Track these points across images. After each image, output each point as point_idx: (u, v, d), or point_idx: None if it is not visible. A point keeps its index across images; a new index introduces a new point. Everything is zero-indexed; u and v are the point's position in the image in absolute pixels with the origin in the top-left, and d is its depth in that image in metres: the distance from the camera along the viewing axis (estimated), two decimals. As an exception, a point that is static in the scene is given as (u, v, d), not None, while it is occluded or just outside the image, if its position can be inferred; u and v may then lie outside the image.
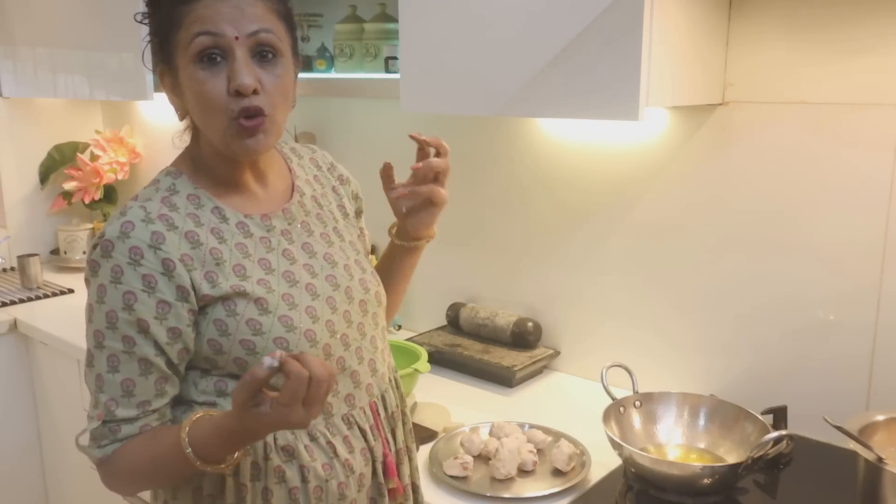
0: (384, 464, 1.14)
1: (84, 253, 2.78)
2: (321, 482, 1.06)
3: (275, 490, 1.04)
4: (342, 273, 1.13)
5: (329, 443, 1.07)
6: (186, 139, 1.10)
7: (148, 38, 1.06)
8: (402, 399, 1.22)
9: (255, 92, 0.99)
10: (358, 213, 1.28)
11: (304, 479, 1.05)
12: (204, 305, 1.01)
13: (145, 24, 1.06)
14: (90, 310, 1.00)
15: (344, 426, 1.09)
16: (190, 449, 0.95)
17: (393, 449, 1.17)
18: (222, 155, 1.05)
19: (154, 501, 1.14)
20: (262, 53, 1.00)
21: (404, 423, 1.22)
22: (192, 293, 1.00)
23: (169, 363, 1.01)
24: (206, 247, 1.02)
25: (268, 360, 0.87)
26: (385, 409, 1.16)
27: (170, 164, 1.10)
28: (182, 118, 1.07)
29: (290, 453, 1.04)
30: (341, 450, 1.08)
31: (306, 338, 1.04)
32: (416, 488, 1.24)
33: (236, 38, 0.98)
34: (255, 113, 0.99)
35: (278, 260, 1.07)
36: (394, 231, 1.27)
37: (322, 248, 1.13)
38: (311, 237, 1.13)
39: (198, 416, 0.97)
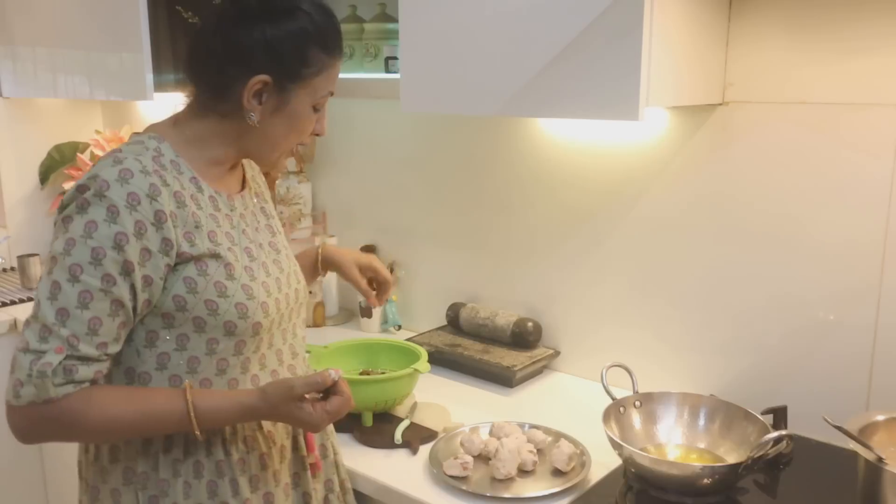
0: (305, 439, 1.25)
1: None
2: (243, 454, 1.16)
3: (205, 463, 1.14)
4: (285, 260, 1.26)
5: None
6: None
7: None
8: None
9: None
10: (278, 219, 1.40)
11: (227, 453, 1.14)
12: (178, 263, 1.08)
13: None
14: (70, 244, 1.02)
15: None
16: (193, 413, 1.05)
17: None
18: (228, 138, 1.15)
19: (88, 466, 1.18)
20: None
21: None
22: (174, 248, 1.06)
23: (134, 310, 1.06)
24: (189, 209, 1.09)
25: (334, 374, 1.09)
26: None
27: (147, 130, 1.16)
28: (252, 122, 1.12)
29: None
30: (265, 422, 1.18)
31: (262, 309, 1.14)
32: (345, 490, 1.36)
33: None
34: None
35: (240, 236, 1.18)
36: (319, 263, 1.48)
37: (268, 237, 1.25)
38: (259, 225, 1.25)
39: (187, 384, 1.08)
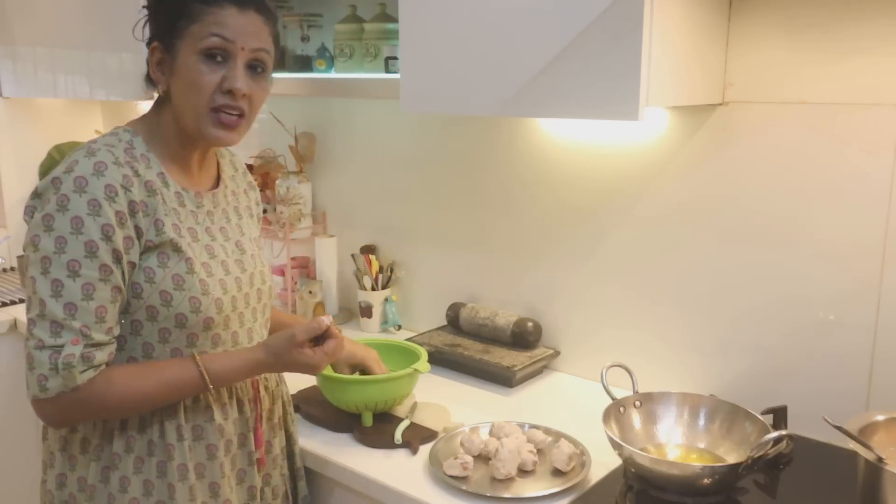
0: (255, 435, 1.30)
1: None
2: (191, 442, 1.22)
3: (157, 443, 1.20)
4: (249, 260, 1.30)
5: (209, 407, 1.23)
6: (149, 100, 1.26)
7: (147, 12, 1.20)
8: (282, 380, 1.42)
9: (243, 96, 1.16)
10: (258, 219, 1.44)
11: (180, 438, 1.20)
12: (143, 251, 1.14)
13: None
14: (61, 242, 1.08)
15: (226, 395, 1.26)
16: (207, 375, 1.15)
17: (265, 425, 1.34)
18: (183, 132, 1.20)
19: (53, 432, 1.24)
20: (254, 67, 1.19)
21: (285, 403, 1.40)
22: (144, 235, 1.14)
23: (125, 293, 1.14)
24: (157, 198, 1.16)
25: (326, 320, 1.21)
26: (266, 387, 1.34)
27: (125, 125, 1.22)
28: (161, 93, 1.20)
29: (172, 412, 1.19)
30: (218, 416, 1.24)
31: (215, 305, 1.19)
32: (299, 476, 1.42)
33: (242, 48, 1.16)
34: (237, 112, 1.17)
35: (202, 233, 1.23)
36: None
37: (235, 236, 1.30)
38: (228, 224, 1.29)
39: (192, 352, 1.18)
